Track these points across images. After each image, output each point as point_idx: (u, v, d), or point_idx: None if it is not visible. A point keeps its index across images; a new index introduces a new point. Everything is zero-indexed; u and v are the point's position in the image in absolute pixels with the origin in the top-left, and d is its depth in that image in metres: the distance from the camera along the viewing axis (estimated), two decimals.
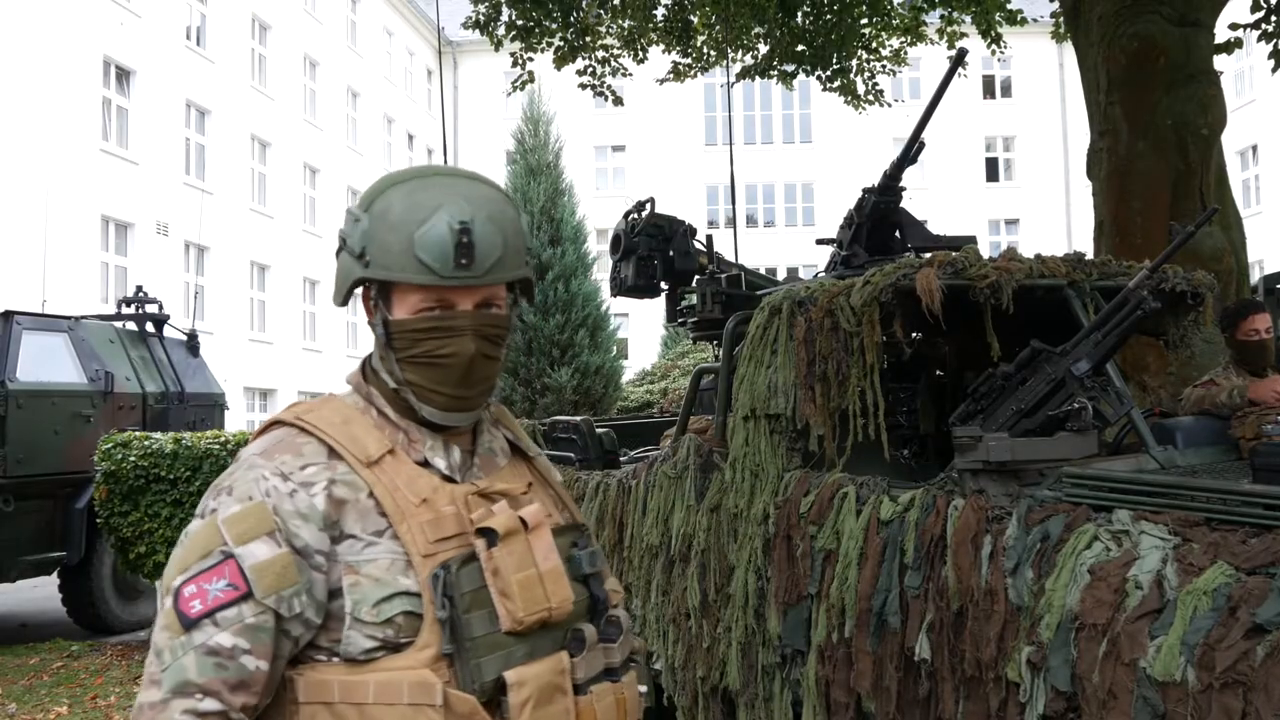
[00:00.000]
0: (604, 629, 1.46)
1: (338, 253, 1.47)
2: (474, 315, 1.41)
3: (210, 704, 1.25)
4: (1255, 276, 8.79)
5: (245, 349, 24.63)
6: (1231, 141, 9.81)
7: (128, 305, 10.85)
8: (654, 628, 4.48)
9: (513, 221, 1.44)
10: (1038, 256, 4.01)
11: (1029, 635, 2.99)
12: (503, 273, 1.42)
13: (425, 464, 1.42)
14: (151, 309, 10.77)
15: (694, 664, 4.21)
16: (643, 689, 1.53)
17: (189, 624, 1.27)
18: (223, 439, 8.47)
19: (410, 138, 36.22)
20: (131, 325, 10.58)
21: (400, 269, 1.38)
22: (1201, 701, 2.54)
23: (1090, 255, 4.36)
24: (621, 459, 5.70)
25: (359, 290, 1.46)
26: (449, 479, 1.43)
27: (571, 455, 5.64)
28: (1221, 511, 2.97)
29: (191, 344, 11.17)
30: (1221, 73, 7.86)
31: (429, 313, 1.40)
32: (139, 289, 11.14)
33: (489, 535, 1.36)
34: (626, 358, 22.63)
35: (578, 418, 6.01)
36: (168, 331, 10.91)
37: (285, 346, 26.93)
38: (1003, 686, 3.05)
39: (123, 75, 21.34)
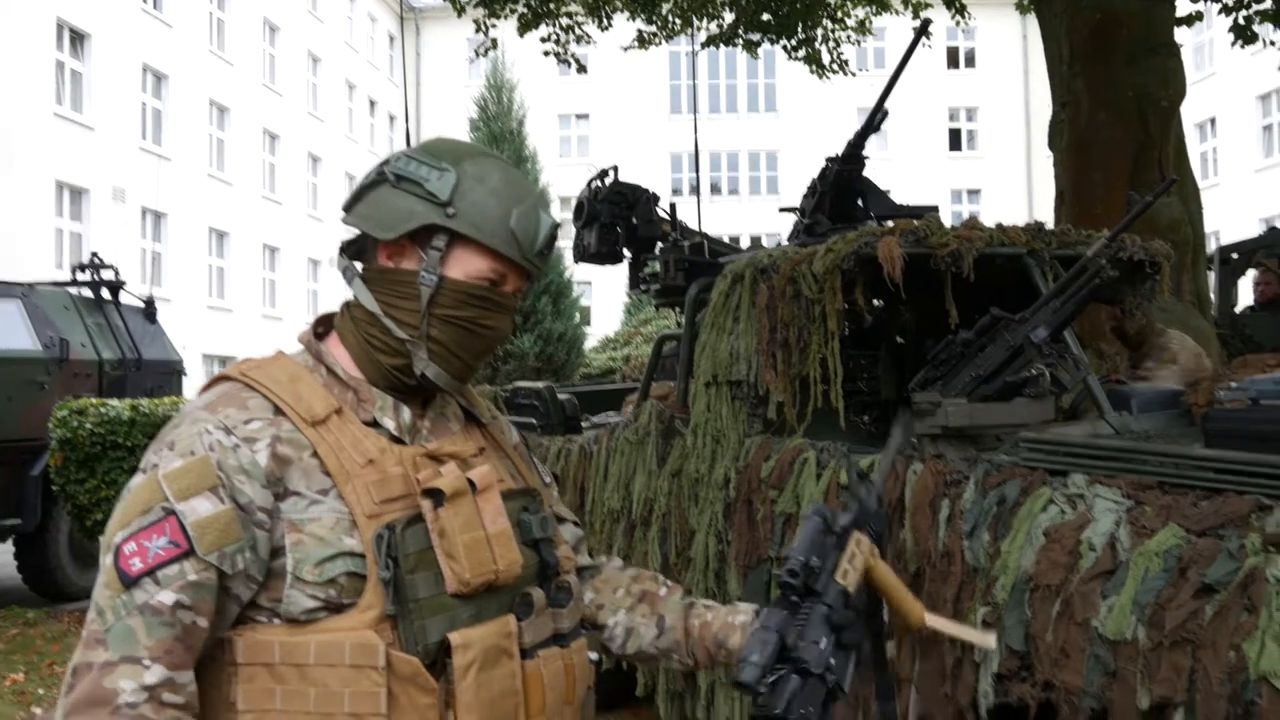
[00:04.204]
0: (554, 594, 1.45)
1: (373, 186, 1.42)
2: (514, 298, 1.46)
3: (156, 672, 1.22)
4: (1211, 247, 8.91)
5: (204, 316, 24.35)
6: (1190, 114, 9.91)
7: (83, 271, 10.66)
8: None
9: None
10: (998, 225, 4.04)
11: (985, 596, 3.04)
12: (544, 270, 1.55)
13: (374, 424, 1.41)
14: (107, 275, 10.58)
15: None
16: (593, 656, 1.52)
17: (129, 582, 1.24)
18: (181, 406, 8.37)
19: (372, 104, 35.81)
20: (87, 292, 10.39)
21: (491, 234, 1.40)
22: (1152, 659, 2.59)
23: (1051, 225, 4.40)
24: (584, 425, 5.71)
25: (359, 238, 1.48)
26: (398, 440, 1.41)
27: (534, 421, 5.64)
28: (1174, 476, 3.02)
29: (148, 311, 11.01)
30: (1181, 45, 7.92)
31: (487, 282, 1.43)
32: (94, 255, 10.95)
33: (436, 496, 1.34)
34: (589, 325, 22.60)
35: (540, 384, 6.01)
36: (124, 298, 10.75)
37: (245, 314, 26.65)
38: (958, 646, 3.10)
39: (77, 38, 20.88)
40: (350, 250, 1.49)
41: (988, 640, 1.49)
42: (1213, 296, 7.99)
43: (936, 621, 1.48)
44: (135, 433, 8.19)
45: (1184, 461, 3.04)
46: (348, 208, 1.46)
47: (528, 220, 1.41)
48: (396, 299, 1.42)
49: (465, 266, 1.40)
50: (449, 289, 1.40)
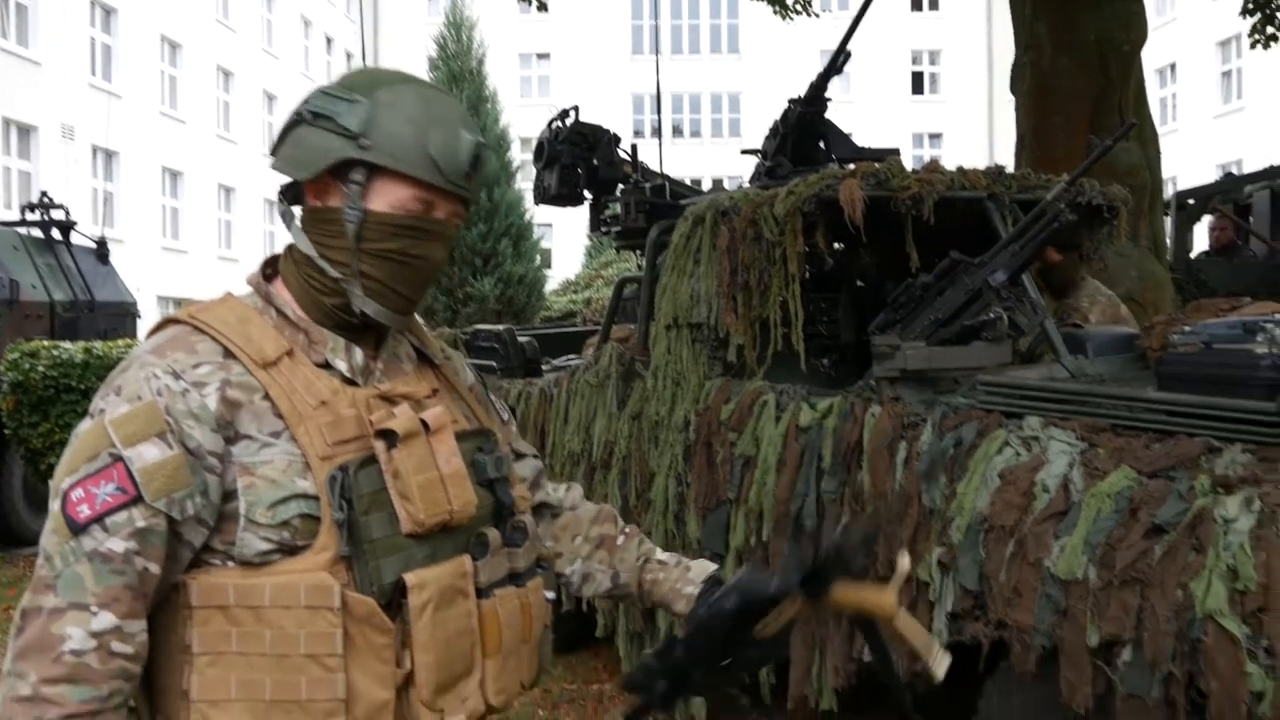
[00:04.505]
0: (509, 534, 1.45)
1: (293, 126, 1.40)
2: (447, 225, 1.42)
3: (105, 618, 1.22)
4: (1169, 192, 8.98)
5: (158, 257, 23.98)
6: (1151, 59, 9.94)
7: (32, 211, 10.44)
8: None
9: None
10: (959, 169, 4.04)
11: (940, 537, 3.07)
12: (477, 193, 1.47)
13: (326, 366, 1.39)
14: (57, 215, 10.38)
15: None
16: (550, 594, 1.53)
17: (77, 529, 1.24)
18: (135, 349, 8.26)
19: (329, 41, 35.13)
20: (37, 232, 10.20)
21: (409, 162, 1.36)
22: (1101, 598, 2.64)
23: (1011, 169, 4.41)
24: (544, 368, 5.70)
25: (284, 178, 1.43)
26: (350, 382, 1.40)
27: (494, 364, 5.62)
28: (1127, 418, 3.06)
29: (101, 252, 10.83)
30: None
31: (413, 212, 1.39)
32: (44, 194, 10.72)
33: (389, 437, 1.33)
34: (550, 267, 22.45)
35: (500, 327, 5.98)
36: (75, 239, 10.56)
37: (200, 255, 26.28)
38: (913, 586, 3.14)
39: None
40: (289, 194, 1.47)
41: (938, 665, 1.49)
42: (1169, 242, 8.07)
43: (905, 622, 1.49)
44: (89, 376, 8.08)
45: (1137, 404, 3.08)
46: (273, 151, 1.43)
47: (447, 142, 1.37)
48: (327, 238, 1.40)
49: (388, 198, 1.38)
50: (374, 222, 1.37)
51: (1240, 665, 2.38)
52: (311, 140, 1.38)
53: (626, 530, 1.70)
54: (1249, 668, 2.37)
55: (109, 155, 22.76)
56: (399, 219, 1.38)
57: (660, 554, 1.67)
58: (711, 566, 1.65)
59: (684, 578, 1.62)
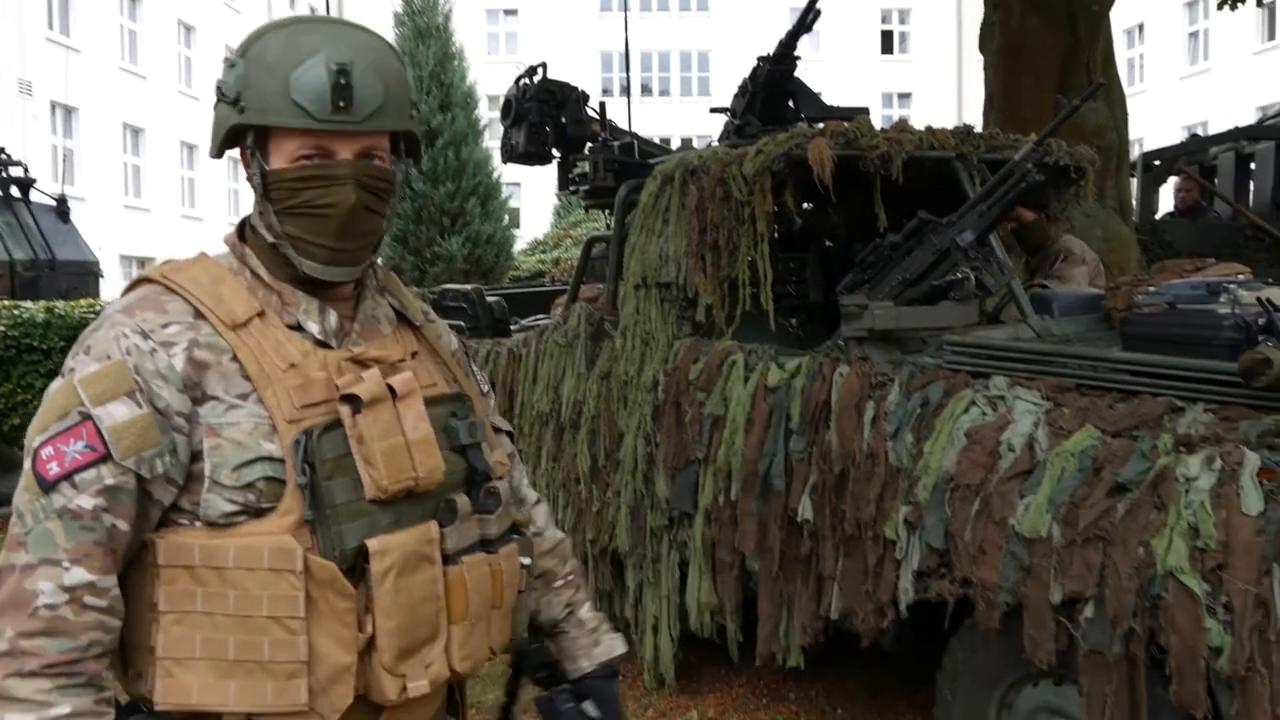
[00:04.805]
0: (481, 500, 1.44)
1: (216, 105, 1.40)
2: (354, 165, 1.36)
3: (77, 573, 1.23)
4: (1135, 153, 9.02)
5: (120, 216, 23.63)
6: (1119, 20, 9.93)
7: None
8: (544, 493, 4.52)
9: (397, 72, 1.39)
10: (928, 128, 4.04)
11: (907, 496, 3.10)
12: (384, 121, 1.37)
13: (299, 328, 1.38)
14: (15, 172, 10.23)
15: (583, 527, 4.28)
16: (525, 561, 1.52)
17: (47, 486, 1.25)
18: (98, 308, 8.17)
19: None
20: None
21: (275, 112, 1.33)
22: (1065, 556, 2.68)
23: (980, 129, 4.41)
24: (512, 328, 5.68)
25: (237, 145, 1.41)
26: (323, 344, 1.39)
27: (462, 324, 5.59)
28: (1092, 378, 3.09)
29: (61, 210, 10.69)
30: None
31: (307, 161, 1.35)
32: (1, 151, 10.55)
33: (353, 402, 1.33)
34: (518, 227, 22.32)
35: (468, 286, 5.95)
36: (35, 196, 10.40)
37: (163, 213, 25.91)
38: (880, 544, 3.17)
39: None
40: None
41: None
42: (1134, 203, 8.12)
43: None
44: (51, 335, 7.98)
45: (1102, 364, 3.11)
46: None
47: (308, 80, 1.32)
48: (259, 204, 1.39)
49: (281, 153, 1.36)
50: (274, 181, 1.36)
51: (1199, 621, 2.43)
52: (216, 116, 1.39)
53: (569, 573, 1.73)
54: (1208, 623, 2.42)
55: (68, 111, 22.35)
56: (294, 171, 1.35)
57: (584, 611, 1.71)
58: (619, 650, 1.70)
59: (588, 652, 1.67)
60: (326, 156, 1.35)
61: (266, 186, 1.36)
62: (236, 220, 1.49)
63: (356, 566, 1.30)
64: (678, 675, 4.17)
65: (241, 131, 1.36)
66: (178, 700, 1.28)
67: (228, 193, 28.93)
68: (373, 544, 1.30)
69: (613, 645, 1.69)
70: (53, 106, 21.77)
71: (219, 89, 1.37)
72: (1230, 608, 2.40)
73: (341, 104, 1.32)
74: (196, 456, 1.30)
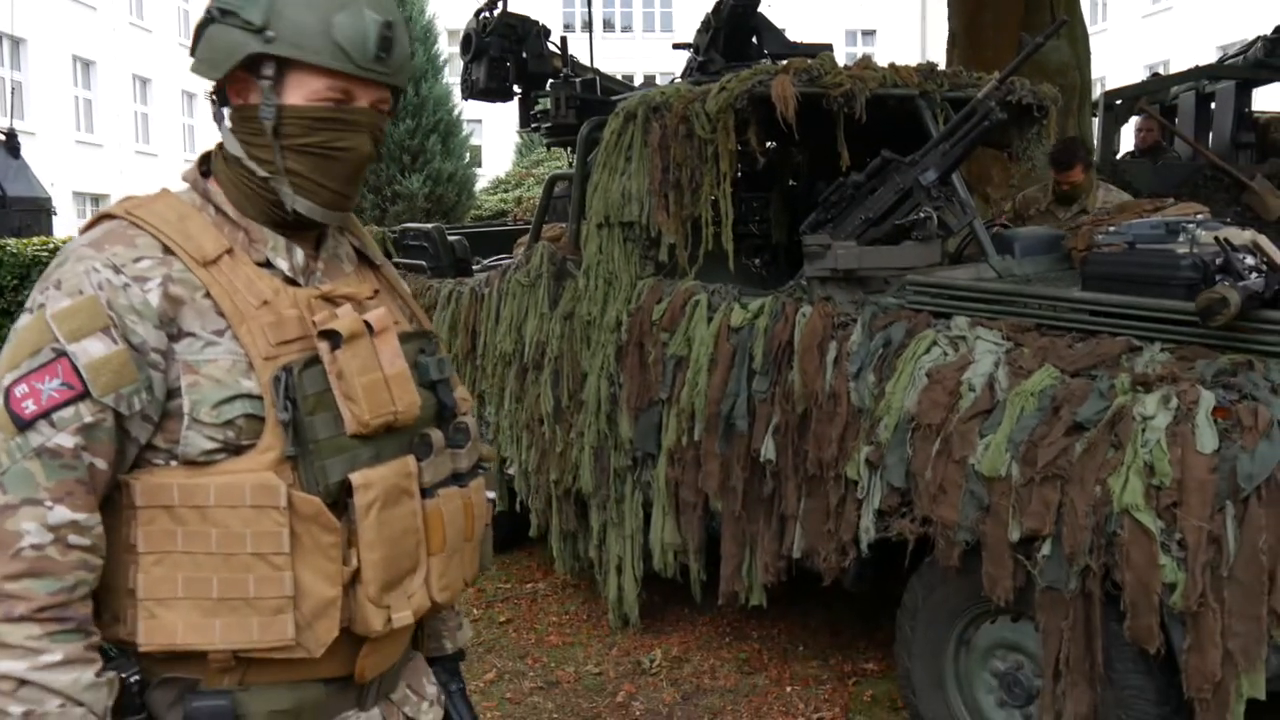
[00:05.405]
0: (451, 435, 1.46)
1: (204, 25, 1.36)
2: (371, 114, 1.38)
3: (61, 512, 1.21)
4: (1097, 92, 9.01)
5: (72, 151, 23.11)
6: None
7: None
8: (508, 434, 4.52)
9: (407, 30, 1.43)
10: (891, 66, 4.01)
11: (868, 436, 3.12)
12: (403, 76, 1.40)
13: (266, 265, 1.38)
14: None
15: (547, 468, 4.28)
16: (491, 494, 1.55)
17: (23, 425, 1.22)
18: (51, 245, 8.03)
19: None
20: None
21: (314, 51, 1.31)
22: (1023, 494, 2.71)
23: (944, 67, 4.38)
24: (474, 267, 5.63)
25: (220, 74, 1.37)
26: (291, 281, 1.38)
27: (423, 264, 5.54)
28: (1052, 318, 3.11)
29: (11, 144, 10.45)
30: None
31: (330, 102, 1.35)
32: None
33: (333, 338, 1.33)
34: (480, 165, 22.09)
35: (429, 226, 5.88)
36: None
37: (116, 149, 25.37)
38: (842, 484, 3.20)
39: None
40: (220, 94, 1.43)
41: None
42: (1095, 142, 8.13)
43: None
44: (3, 273, 7.84)
45: (1061, 304, 3.13)
46: (191, 51, 1.40)
47: (352, 25, 1.32)
48: (251, 136, 1.37)
49: (302, 90, 1.34)
50: (290, 117, 1.34)
51: (1154, 558, 2.47)
52: (220, 38, 1.34)
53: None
54: (1162, 560, 2.46)
55: (15, 42, 21.72)
56: (315, 111, 1.34)
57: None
58: (465, 638, 1.69)
59: (453, 635, 1.67)
60: (348, 101, 1.35)
61: (280, 121, 1.34)
62: (190, 156, 1.45)
63: (339, 501, 1.31)
64: (641, 615, 4.21)
65: (259, 60, 1.33)
66: (162, 641, 1.27)
67: (182, 128, 28.33)
68: (356, 478, 1.31)
69: (467, 633, 1.71)
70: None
71: (223, 10, 1.33)
72: (1184, 545, 2.44)
73: (383, 55, 1.34)
74: (173, 393, 1.29)
